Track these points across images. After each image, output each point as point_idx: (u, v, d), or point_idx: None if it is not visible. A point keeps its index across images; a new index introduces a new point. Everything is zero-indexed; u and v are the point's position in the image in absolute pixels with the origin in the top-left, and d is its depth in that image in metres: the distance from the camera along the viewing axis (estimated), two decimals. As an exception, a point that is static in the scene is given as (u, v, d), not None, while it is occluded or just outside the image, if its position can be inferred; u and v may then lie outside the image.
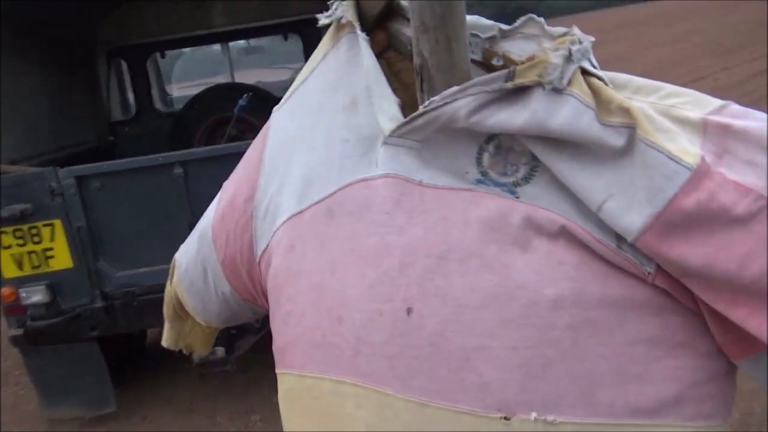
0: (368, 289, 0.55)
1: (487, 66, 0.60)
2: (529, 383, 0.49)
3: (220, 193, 0.89)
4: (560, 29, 0.56)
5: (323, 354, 0.58)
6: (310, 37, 3.71)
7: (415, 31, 0.57)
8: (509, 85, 0.48)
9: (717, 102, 0.50)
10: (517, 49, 0.58)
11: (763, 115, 0.49)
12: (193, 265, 0.95)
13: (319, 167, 0.65)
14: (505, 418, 0.49)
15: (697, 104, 0.50)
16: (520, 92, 0.49)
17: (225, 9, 3.56)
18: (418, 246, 0.54)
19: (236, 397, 3.00)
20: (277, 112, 0.78)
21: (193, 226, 0.94)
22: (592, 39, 0.52)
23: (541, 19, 0.58)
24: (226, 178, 0.88)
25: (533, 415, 0.48)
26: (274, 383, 0.68)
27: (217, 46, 4.21)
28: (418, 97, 0.59)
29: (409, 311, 0.53)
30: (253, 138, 0.83)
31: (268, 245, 0.71)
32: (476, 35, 0.59)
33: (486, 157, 0.54)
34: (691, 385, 0.49)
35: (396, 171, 0.57)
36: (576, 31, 0.52)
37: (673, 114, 0.49)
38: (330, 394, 0.57)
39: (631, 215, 0.46)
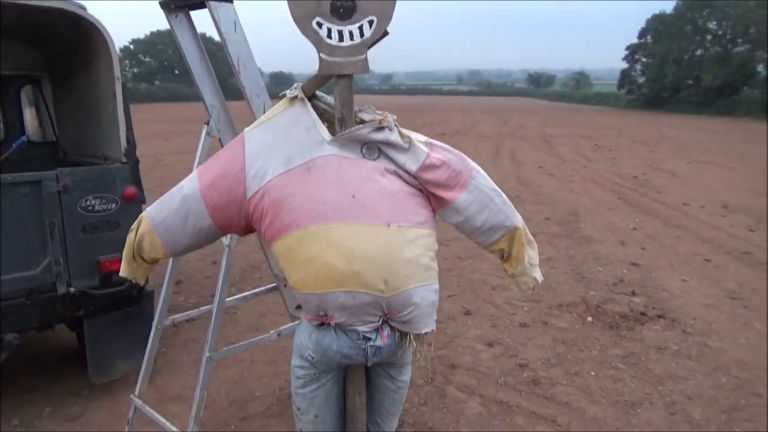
0: (336, 191, 1.62)
1: (358, 121, 1.74)
2: (389, 214, 1.63)
3: (197, 174, 1.77)
4: (378, 112, 1.75)
5: (316, 216, 1.61)
6: (7, 92, 4.02)
7: (337, 107, 1.68)
8: (386, 124, 1.65)
9: (425, 137, 1.78)
10: (366, 116, 1.74)
11: (437, 142, 1.78)
12: (174, 215, 1.79)
13: (293, 152, 1.68)
14: (387, 225, 1.62)
15: (421, 137, 1.76)
16: (380, 129, 1.66)
17: None
18: (351, 177, 1.64)
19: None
20: (250, 131, 1.75)
21: None
22: (395, 116, 1.73)
23: (371, 106, 1.76)
24: None
25: (393, 224, 1.63)
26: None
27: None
28: (338, 129, 1.69)
29: (353, 196, 1.61)
30: None
31: (259, 190, 1.67)
32: (354, 110, 1.74)
33: (365, 148, 1.68)
34: (428, 216, 1.73)
35: (335, 153, 1.66)
36: (387, 113, 1.73)
37: (420, 138, 1.74)
38: (324, 229, 1.60)
39: (413, 166, 1.68)
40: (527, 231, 1.88)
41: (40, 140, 4.16)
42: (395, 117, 1.76)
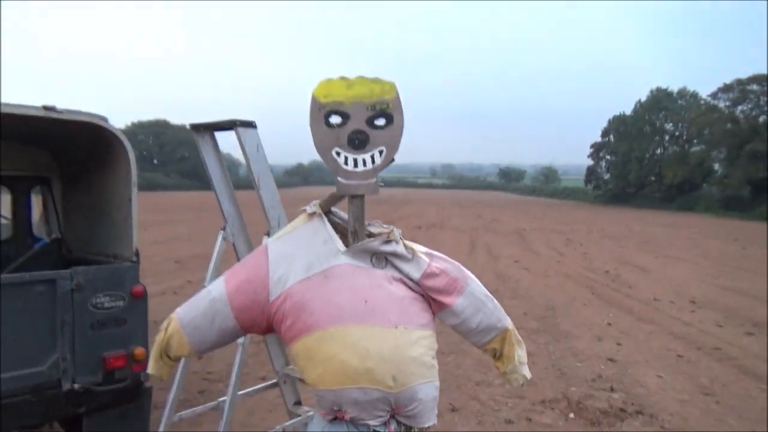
0: (350, 297, 1.83)
1: (367, 234, 1.99)
2: (397, 317, 1.84)
3: (224, 279, 1.98)
4: (384, 225, 2.01)
5: (334, 319, 1.81)
6: (18, 192, 4.20)
7: (350, 222, 1.93)
8: (392, 238, 1.91)
9: (425, 248, 2.03)
10: (375, 230, 2.00)
11: (437, 252, 2.03)
12: (202, 316, 1.97)
13: (313, 261, 1.91)
14: (395, 327, 1.83)
15: (422, 248, 2.01)
16: (388, 242, 1.91)
17: None
18: (363, 284, 1.86)
19: None
20: (273, 242, 1.99)
21: None
22: (400, 230, 1.99)
23: (378, 220, 2.02)
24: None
25: (401, 326, 1.84)
26: None
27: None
28: (351, 241, 1.94)
29: (366, 301, 1.83)
30: None
31: (281, 294, 1.88)
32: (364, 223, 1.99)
33: (374, 258, 1.92)
34: (429, 319, 1.94)
35: (349, 262, 1.89)
36: (393, 228, 1.99)
37: (421, 249, 1.99)
38: (342, 331, 1.80)
39: (416, 274, 1.92)
40: (516, 332, 2.11)
41: (45, 237, 4.32)
42: (400, 231, 2.02)
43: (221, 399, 2.72)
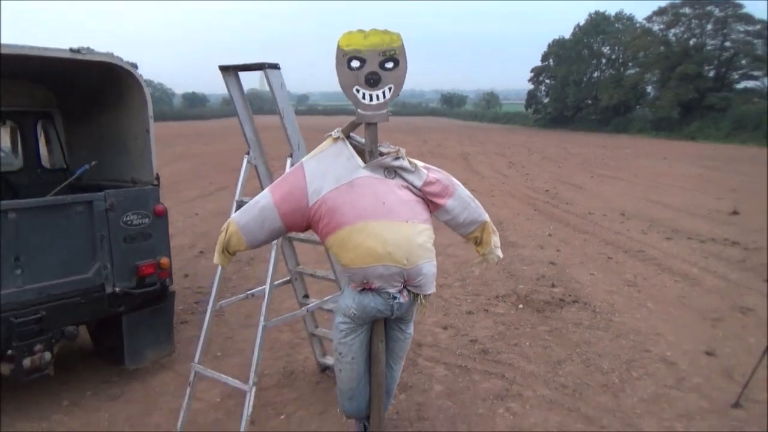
0: (371, 200, 2.46)
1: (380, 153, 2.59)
2: (406, 214, 2.48)
3: (270, 191, 2.57)
4: (392, 146, 2.61)
5: (360, 217, 2.44)
6: (24, 126, 4.52)
7: (367, 144, 2.52)
8: (400, 155, 2.51)
9: (423, 163, 2.65)
10: (385, 149, 2.60)
11: (432, 166, 2.65)
12: (254, 220, 2.58)
13: (340, 174, 2.52)
14: (406, 222, 2.47)
15: (421, 162, 2.63)
16: (397, 158, 2.52)
17: None
18: (380, 190, 2.49)
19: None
20: (307, 161, 2.57)
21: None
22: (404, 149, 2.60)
23: (387, 142, 2.62)
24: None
25: (410, 221, 2.48)
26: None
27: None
28: (368, 158, 2.54)
29: (383, 203, 2.46)
30: None
31: (318, 200, 2.50)
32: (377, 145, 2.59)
33: (386, 171, 2.54)
34: (429, 216, 2.59)
35: (368, 175, 2.51)
36: (400, 148, 2.59)
37: (420, 164, 2.61)
38: (366, 226, 2.43)
39: (418, 182, 2.55)
40: (492, 224, 2.80)
41: (50, 167, 4.69)
42: (405, 150, 2.62)
43: (258, 288, 3.31)
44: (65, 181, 4.53)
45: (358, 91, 2.48)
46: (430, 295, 2.65)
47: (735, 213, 10.54)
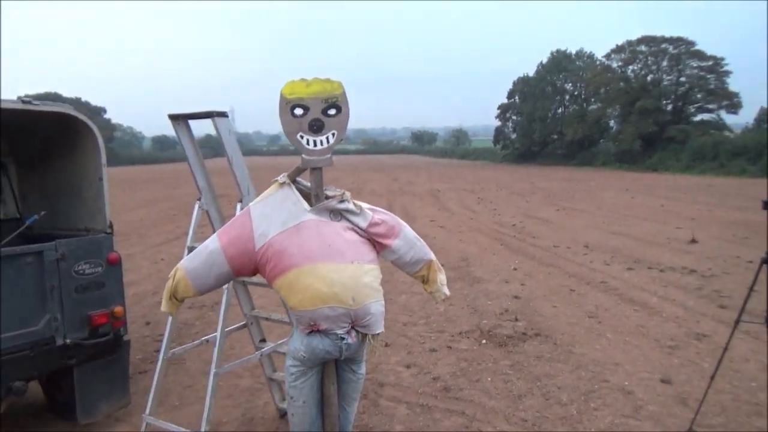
0: (317, 243, 2.50)
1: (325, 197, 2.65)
2: (352, 255, 2.53)
3: (217, 236, 2.60)
4: (338, 190, 2.68)
5: (307, 259, 2.48)
6: None
7: (313, 188, 2.59)
8: (344, 198, 2.58)
9: (368, 204, 2.72)
10: (330, 193, 2.66)
11: (377, 208, 2.72)
12: (202, 265, 2.59)
13: (286, 218, 2.56)
14: (351, 263, 2.52)
15: (366, 204, 2.70)
16: (342, 201, 2.59)
17: None
18: (326, 233, 2.54)
19: None
20: (254, 206, 2.62)
21: None
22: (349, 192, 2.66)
23: (332, 186, 2.69)
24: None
25: (355, 262, 2.53)
26: None
27: None
28: (314, 202, 2.60)
29: (329, 245, 2.51)
30: None
31: (264, 244, 2.53)
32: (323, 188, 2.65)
33: (331, 214, 2.60)
34: (375, 257, 2.65)
35: (314, 218, 2.56)
36: (345, 191, 2.66)
37: (365, 206, 2.68)
38: (313, 268, 2.47)
39: (363, 224, 2.61)
40: (437, 262, 2.86)
41: (3, 217, 4.63)
42: (350, 193, 2.69)
43: (210, 336, 3.30)
44: (17, 229, 4.48)
45: (302, 137, 2.56)
46: (378, 334, 2.68)
47: (693, 241, 10.84)
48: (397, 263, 2.79)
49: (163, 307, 2.68)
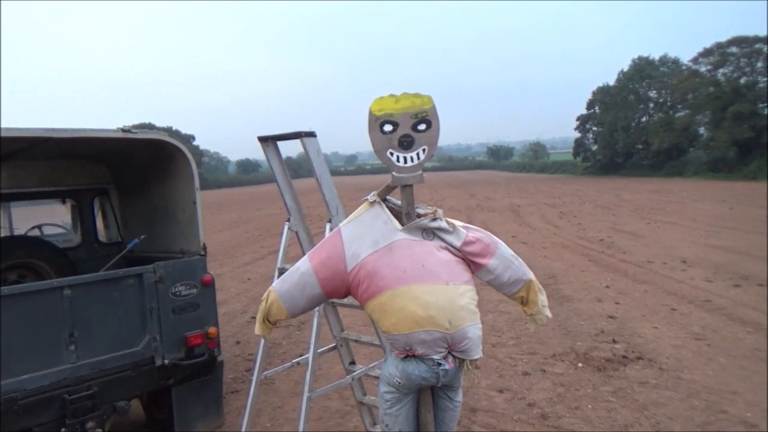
0: (411, 263, 2.40)
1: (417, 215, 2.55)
2: (447, 276, 2.41)
3: (308, 257, 2.54)
4: (429, 207, 2.57)
5: (400, 280, 2.37)
6: (82, 203, 4.74)
7: (403, 206, 2.49)
8: (437, 216, 2.47)
9: (462, 222, 2.59)
10: (422, 211, 2.55)
11: (471, 225, 2.59)
12: (294, 287, 2.53)
13: (378, 238, 2.47)
14: (447, 284, 2.39)
15: (460, 222, 2.57)
16: (435, 219, 2.47)
17: (9, 174, 4.29)
18: (419, 252, 2.42)
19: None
20: (344, 226, 2.54)
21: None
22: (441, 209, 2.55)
23: (424, 204, 2.58)
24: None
25: (451, 283, 2.40)
26: None
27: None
28: (405, 221, 2.50)
29: (423, 266, 2.39)
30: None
31: (356, 265, 2.45)
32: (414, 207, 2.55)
33: (424, 233, 2.48)
34: (470, 277, 2.51)
35: (406, 237, 2.46)
36: (437, 209, 2.54)
37: (459, 224, 2.55)
38: (407, 289, 2.36)
39: (457, 243, 2.48)
40: (538, 282, 2.68)
41: (107, 241, 4.86)
42: (443, 210, 2.57)
43: (301, 358, 3.26)
44: (119, 252, 4.68)
45: (392, 154, 2.47)
46: (477, 360, 2.52)
47: (808, 255, 9.90)
48: (493, 284, 2.64)
49: (257, 330, 2.65)
